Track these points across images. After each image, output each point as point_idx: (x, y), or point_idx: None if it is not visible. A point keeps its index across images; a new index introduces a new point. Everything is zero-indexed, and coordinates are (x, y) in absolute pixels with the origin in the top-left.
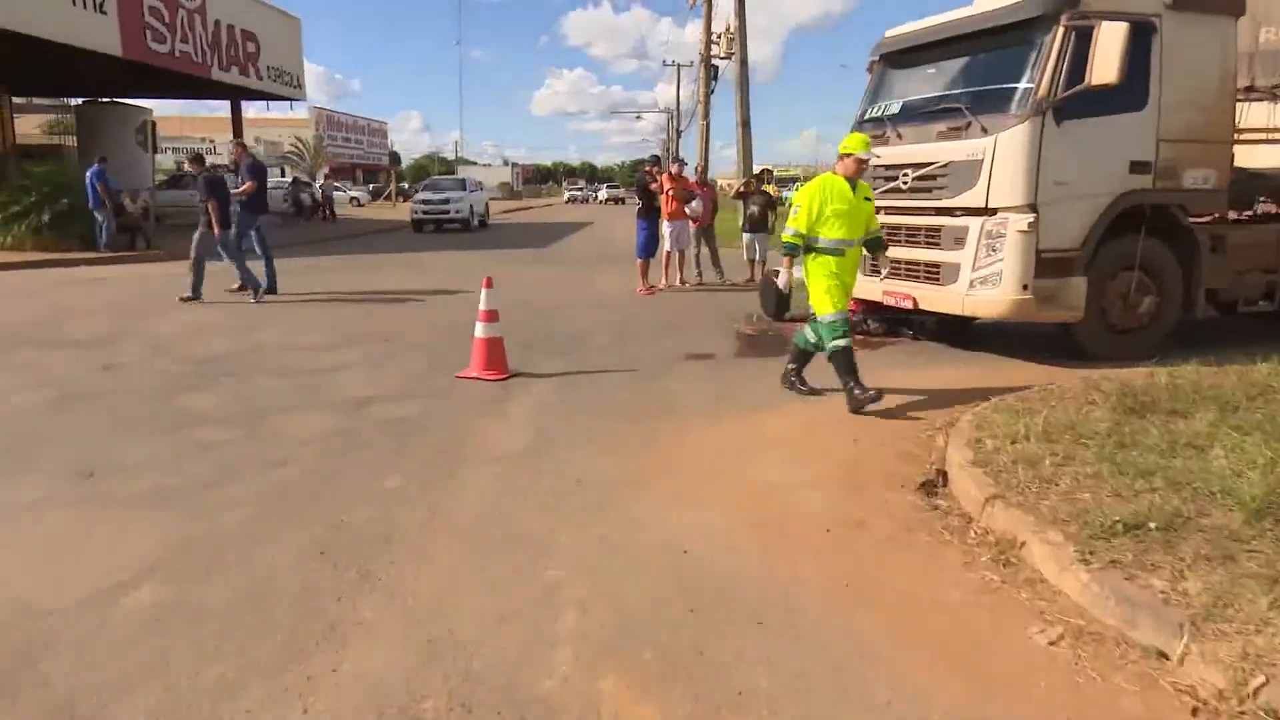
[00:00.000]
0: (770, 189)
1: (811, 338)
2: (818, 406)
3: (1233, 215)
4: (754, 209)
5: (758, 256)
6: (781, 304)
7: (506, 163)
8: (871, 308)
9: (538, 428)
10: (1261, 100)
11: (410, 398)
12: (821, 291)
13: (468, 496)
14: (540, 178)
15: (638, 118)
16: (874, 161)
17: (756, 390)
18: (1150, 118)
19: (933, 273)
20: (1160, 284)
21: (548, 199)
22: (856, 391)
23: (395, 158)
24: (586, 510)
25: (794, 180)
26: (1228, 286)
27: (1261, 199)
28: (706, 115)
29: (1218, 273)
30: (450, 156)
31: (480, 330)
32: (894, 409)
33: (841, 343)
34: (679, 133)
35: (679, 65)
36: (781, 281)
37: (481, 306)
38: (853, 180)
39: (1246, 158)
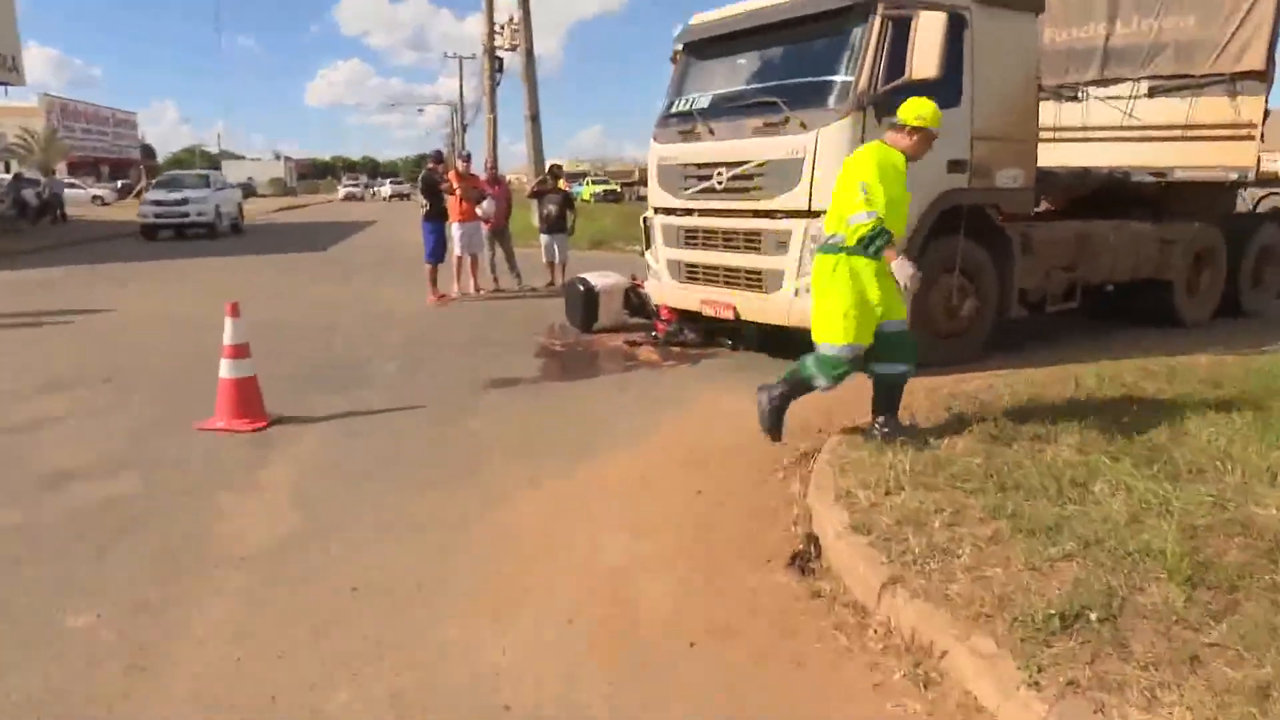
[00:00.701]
0: (562, 185)
1: (813, 369)
2: (646, 443)
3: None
4: (550, 208)
5: (557, 259)
6: (590, 314)
7: (279, 156)
8: (687, 317)
9: (302, 503)
10: (1045, 99)
11: (129, 466)
12: (840, 311)
13: (195, 633)
14: (318, 173)
15: (420, 111)
16: (682, 159)
17: (574, 425)
18: (965, 114)
19: (754, 280)
20: (979, 286)
21: (326, 195)
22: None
23: (148, 151)
24: (368, 643)
25: (584, 175)
26: (1035, 286)
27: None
28: (493, 109)
29: (1028, 273)
30: (214, 150)
31: (226, 370)
32: (731, 442)
33: (825, 384)
34: (464, 127)
35: (461, 58)
36: (905, 278)
37: (227, 340)
38: (913, 160)
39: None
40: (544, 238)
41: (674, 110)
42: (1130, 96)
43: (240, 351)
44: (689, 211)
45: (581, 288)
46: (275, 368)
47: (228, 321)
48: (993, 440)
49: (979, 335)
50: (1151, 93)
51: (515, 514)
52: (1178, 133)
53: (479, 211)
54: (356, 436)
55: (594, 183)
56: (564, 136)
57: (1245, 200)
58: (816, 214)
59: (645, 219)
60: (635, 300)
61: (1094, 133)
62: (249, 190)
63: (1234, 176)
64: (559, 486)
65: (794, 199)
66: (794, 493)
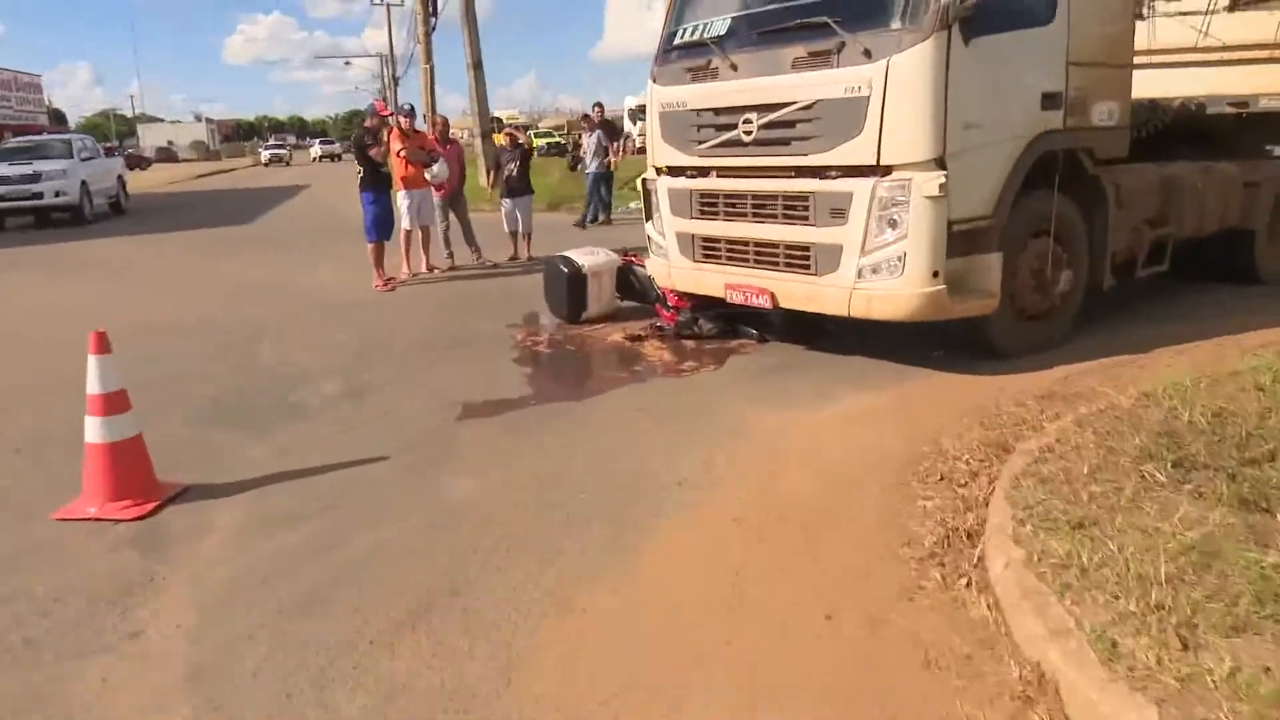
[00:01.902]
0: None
1: None
2: (708, 506)
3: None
4: (512, 167)
5: (520, 228)
6: (577, 302)
7: (200, 118)
8: (704, 303)
9: (204, 674)
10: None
11: None
12: None
13: None
14: (243, 134)
15: (347, 64)
16: (693, 105)
17: (596, 479)
18: (1059, 33)
19: (799, 258)
20: (1071, 252)
21: (253, 158)
22: None
23: (58, 116)
24: None
25: (525, 128)
26: (1124, 246)
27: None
28: (429, 58)
29: (1119, 230)
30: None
31: (95, 432)
32: (826, 496)
33: None
34: (396, 80)
35: (389, 4)
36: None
37: (92, 387)
38: None
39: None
40: (505, 203)
41: (679, 40)
42: (1207, 11)
43: (114, 404)
44: (705, 172)
45: (565, 270)
46: (178, 395)
47: (91, 361)
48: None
49: (1069, 313)
50: (1232, 6)
51: (543, 685)
52: (1264, 54)
53: (428, 176)
54: (293, 525)
55: (537, 135)
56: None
57: None
58: (888, 170)
59: (644, 181)
60: (633, 283)
61: (1161, 56)
62: (169, 155)
63: None
64: (603, 614)
65: (855, 151)
66: (983, 615)
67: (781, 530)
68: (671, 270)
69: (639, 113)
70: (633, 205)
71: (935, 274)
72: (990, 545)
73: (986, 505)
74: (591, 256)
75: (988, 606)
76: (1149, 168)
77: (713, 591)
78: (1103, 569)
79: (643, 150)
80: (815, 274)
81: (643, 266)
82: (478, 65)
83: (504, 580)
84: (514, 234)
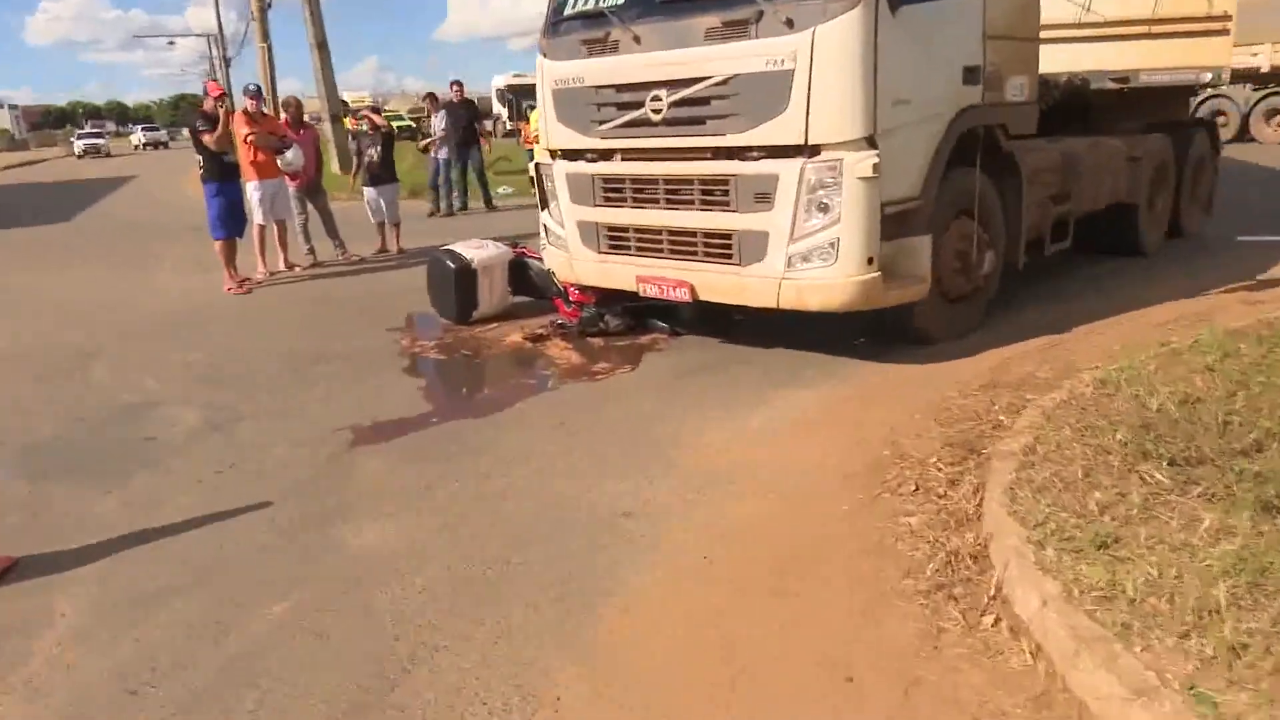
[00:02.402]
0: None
1: None
2: (672, 555)
3: None
4: (373, 153)
5: (386, 218)
6: (466, 300)
7: (3, 105)
8: (608, 297)
9: None
10: None
11: None
12: None
13: None
14: (55, 121)
15: (170, 44)
16: (592, 81)
17: (528, 529)
18: (977, 4)
19: (720, 247)
20: (992, 232)
21: (65, 148)
22: None
23: None
24: None
25: (378, 110)
26: (1033, 224)
27: None
28: (265, 35)
29: (1031, 207)
30: None
31: None
32: (811, 527)
33: None
34: (227, 61)
35: None
36: None
37: None
38: None
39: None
40: (368, 192)
41: (571, 10)
42: None
43: None
44: (608, 155)
45: (452, 265)
46: None
47: None
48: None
49: (988, 295)
50: None
51: None
52: (1142, 29)
53: (281, 165)
54: (160, 605)
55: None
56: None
57: None
58: (816, 150)
59: (537, 166)
60: (528, 277)
61: (1047, 32)
62: None
63: (1207, 78)
64: (581, 709)
65: (780, 130)
66: (1026, 664)
67: (757, 573)
68: (573, 263)
69: (507, 93)
70: (500, 190)
71: (870, 260)
72: (1012, 574)
73: (979, 519)
74: (480, 249)
75: (1030, 654)
76: (1048, 144)
77: (704, 663)
78: (1150, 599)
79: (513, 134)
80: (739, 264)
81: (538, 259)
82: (322, 45)
83: (448, 667)
84: (380, 225)
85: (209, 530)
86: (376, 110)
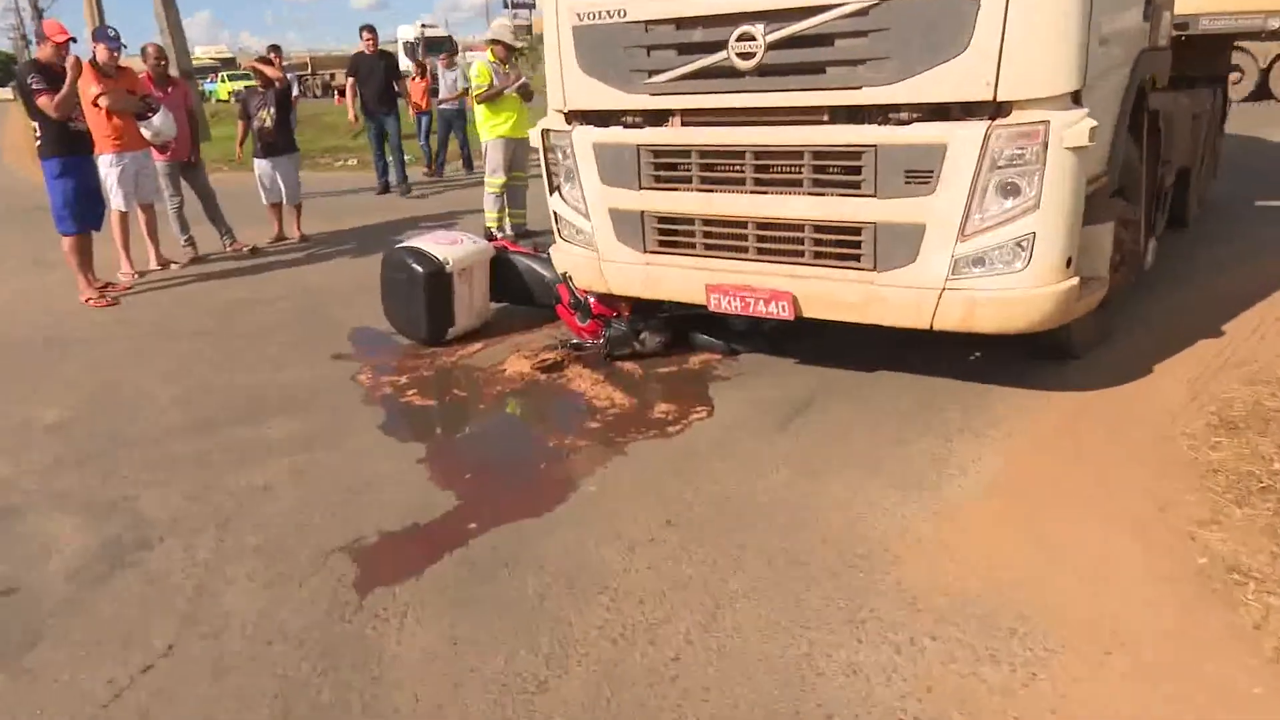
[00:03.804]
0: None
1: None
2: None
3: None
4: (266, 115)
5: (285, 198)
6: (439, 313)
7: None
8: (643, 307)
9: None
10: None
11: None
12: None
13: None
14: None
15: None
16: (639, 14)
17: None
18: None
19: (843, 246)
20: (1142, 210)
21: None
22: None
23: None
24: None
25: (213, 70)
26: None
27: None
28: None
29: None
30: None
31: None
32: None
33: None
34: (39, 11)
35: None
36: None
37: None
38: None
39: None
40: (261, 165)
41: None
42: None
43: None
44: (659, 117)
45: (420, 269)
46: None
47: None
48: None
49: (1121, 291)
50: None
51: None
52: None
53: (146, 133)
54: None
55: (230, 78)
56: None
57: None
58: (1005, 109)
59: (545, 135)
60: (512, 277)
61: None
62: None
63: (1275, 24)
64: None
65: (954, 80)
66: None
67: None
68: (603, 266)
69: (416, 46)
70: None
71: (1068, 262)
72: None
73: None
74: (453, 246)
75: None
76: (1182, 95)
77: None
78: None
79: (435, 92)
80: (872, 268)
81: (524, 253)
82: None
83: None
84: (276, 206)
85: None
86: (269, 61)
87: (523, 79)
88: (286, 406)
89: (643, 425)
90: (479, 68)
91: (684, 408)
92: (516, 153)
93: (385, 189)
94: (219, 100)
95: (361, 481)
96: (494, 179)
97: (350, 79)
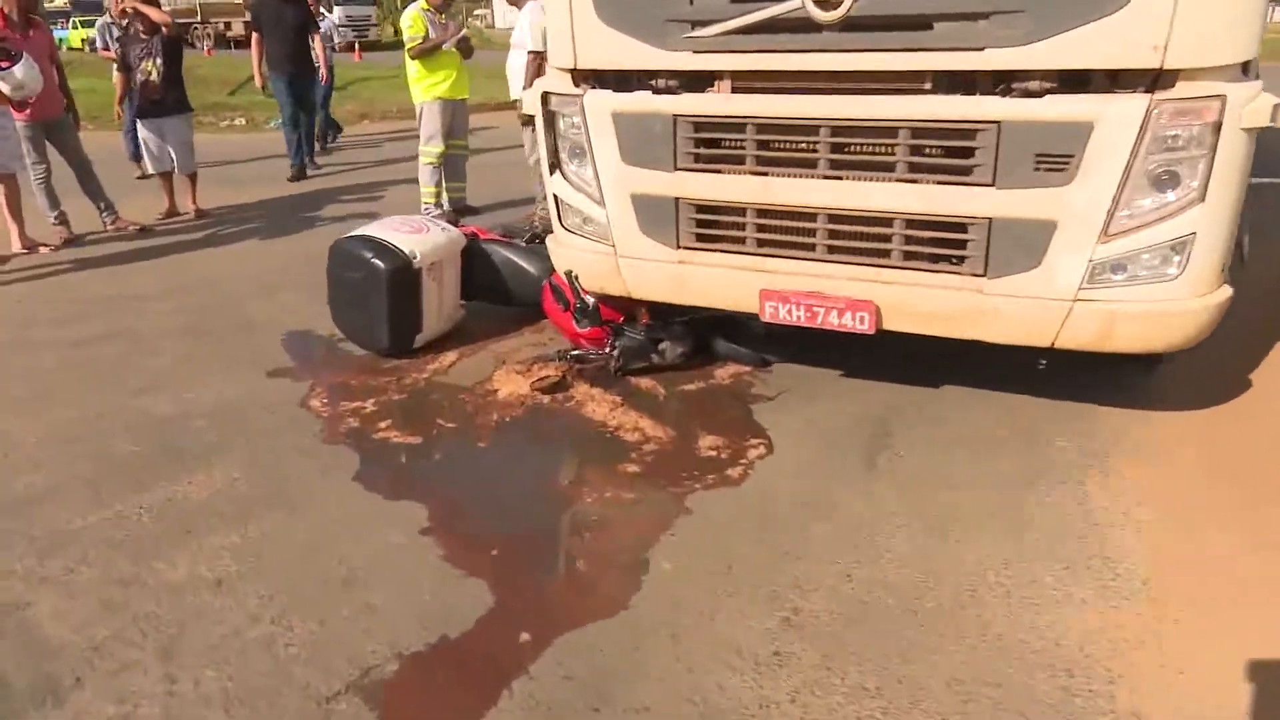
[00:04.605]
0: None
1: None
2: None
3: None
4: (151, 67)
5: (176, 165)
6: (404, 319)
7: None
8: (660, 311)
9: None
10: None
11: None
12: None
13: None
14: None
15: None
16: None
17: None
18: None
19: (942, 245)
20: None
21: None
22: None
23: None
24: None
25: (66, 15)
26: None
27: None
28: None
29: None
30: None
31: None
32: None
33: None
34: None
35: None
36: None
37: None
38: None
39: None
40: (145, 127)
41: None
42: None
43: None
44: (701, 81)
45: (382, 264)
46: None
47: None
48: None
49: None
50: None
51: None
52: None
53: (3, 87)
54: None
55: (83, 23)
56: None
57: None
58: (1168, 79)
59: (545, 99)
60: (488, 271)
61: None
62: None
63: None
64: None
65: (1108, 42)
66: None
67: None
68: (621, 264)
69: None
70: (272, 124)
71: (1223, 269)
72: None
73: None
74: (419, 235)
75: None
76: None
77: None
78: None
79: (351, 47)
80: (981, 273)
81: (506, 243)
82: None
83: None
84: (166, 176)
85: None
86: (153, 1)
87: (463, 30)
88: (215, 448)
89: (693, 467)
90: (412, 17)
91: (735, 441)
92: (456, 117)
93: (302, 174)
94: (71, 48)
95: (349, 568)
96: (431, 148)
97: (254, 32)
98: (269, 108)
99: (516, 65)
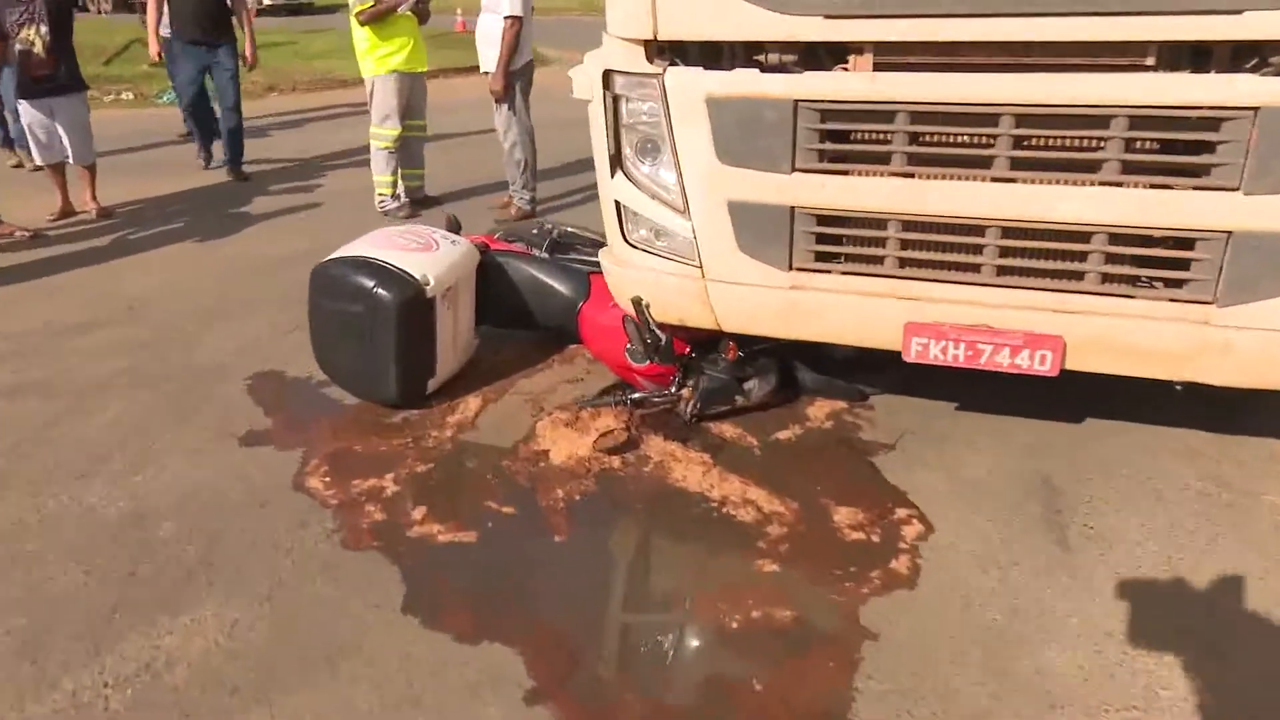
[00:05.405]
0: None
1: None
2: None
3: None
4: (34, 35)
5: (70, 156)
6: (419, 359)
7: None
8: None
9: None
10: None
11: None
12: None
13: None
14: None
15: None
16: None
17: None
18: None
19: (1164, 265)
20: None
21: None
22: None
23: None
24: None
25: None
26: None
27: None
28: None
29: None
30: None
31: None
32: None
33: None
34: None
35: None
36: None
37: None
38: None
39: None
40: (34, 108)
41: None
42: None
43: None
44: (829, 57)
45: (388, 296)
46: None
47: None
48: None
49: None
50: None
51: None
52: None
53: None
54: None
55: None
56: None
57: None
58: None
59: (608, 78)
60: (504, 287)
61: None
62: None
63: None
64: None
65: None
66: None
67: None
68: (711, 289)
69: None
70: (165, 98)
71: None
72: None
73: None
74: (427, 254)
75: None
76: None
77: None
78: None
79: (273, 9)
80: (1210, 300)
81: (525, 256)
82: None
83: None
84: (58, 168)
85: None
86: None
87: None
88: (195, 570)
89: (843, 560)
90: None
91: (877, 514)
92: (414, 92)
93: (210, 158)
94: None
95: None
96: (385, 129)
97: None
98: (160, 79)
99: (489, 31)
